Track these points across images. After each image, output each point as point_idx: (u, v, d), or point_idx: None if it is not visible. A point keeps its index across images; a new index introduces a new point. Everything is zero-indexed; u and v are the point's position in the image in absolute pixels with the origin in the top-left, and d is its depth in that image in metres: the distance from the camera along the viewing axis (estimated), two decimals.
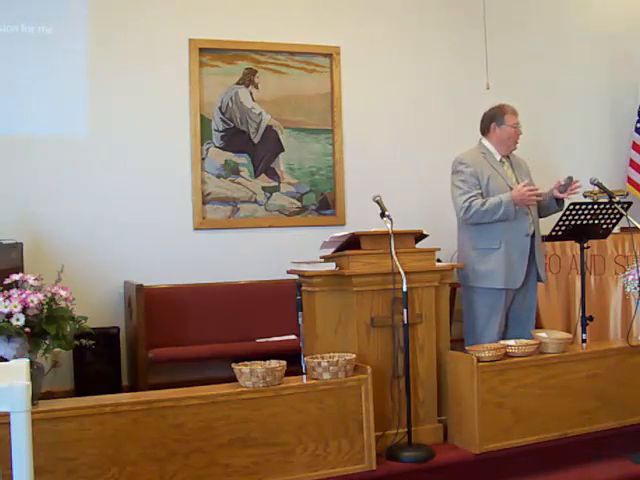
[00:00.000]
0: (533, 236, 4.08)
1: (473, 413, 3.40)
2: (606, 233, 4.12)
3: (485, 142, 4.23)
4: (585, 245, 4.04)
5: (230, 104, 5.33)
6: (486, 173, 4.10)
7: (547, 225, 4.13)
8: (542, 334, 3.76)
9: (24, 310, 2.70)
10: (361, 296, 3.49)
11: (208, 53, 5.26)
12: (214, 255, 5.22)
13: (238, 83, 5.35)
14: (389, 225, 3.49)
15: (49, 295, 2.79)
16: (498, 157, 4.19)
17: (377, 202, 3.69)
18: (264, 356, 3.43)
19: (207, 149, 5.27)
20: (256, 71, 5.38)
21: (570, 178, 4.02)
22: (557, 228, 3.96)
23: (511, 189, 4.04)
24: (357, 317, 3.48)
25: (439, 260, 4.28)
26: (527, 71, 6.04)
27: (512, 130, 4.14)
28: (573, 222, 3.93)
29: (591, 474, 3.42)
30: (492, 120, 4.19)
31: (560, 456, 3.51)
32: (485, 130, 4.24)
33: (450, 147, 5.03)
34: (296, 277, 3.70)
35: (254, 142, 5.39)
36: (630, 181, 6.11)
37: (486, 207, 3.97)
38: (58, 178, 4.89)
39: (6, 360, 2.49)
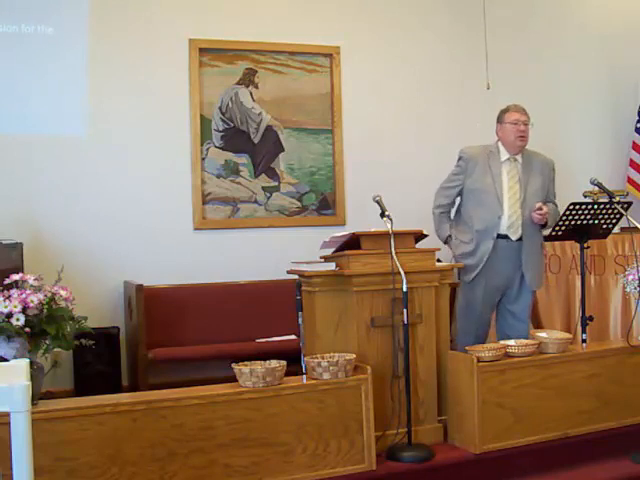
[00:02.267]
0: (520, 240, 4.11)
1: (473, 413, 3.40)
2: (606, 233, 4.12)
3: (499, 142, 4.26)
4: (585, 245, 4.04)
5: (230, 104, 5.33)
6: (479, 170, 4.16)
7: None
8: (542, 334, 3.76)
9: (24, 310, 2.70)
10: (361, 296, 3.49)
11: (208, 53, 5.26)
12: (214, 255, 5.22)
13: (238, 83, 5.35)
14: (389, 225, 3.49)
15: (49, 295, 2.79)
16: (505, 157, 4.18)
17: (377, 202, 3.69)
18: (264, 356, 3.42)
19: (207, 149, 5.27)
20: (256, 71, 5.38)
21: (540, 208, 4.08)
22: (557, 228, 3.96)
23: (497, 191, 4.11)
24: (357, 317, 3.48)
25: (439, 260, 4.29)
26: (527, 71, 6.04)
27: (511, 126, 4.13)
28: (573, 222, 3.93)
29: (591, 474, 3.41)
30: (497, 121, 4.25)
31: (560, 456, 3.51)
32: (496, 132, 4.29)
33: (450, 147, 5.03)
34: (296, 277, 3.70)
35: (254, 142, 5.39)
36: (630, 181, 6.11)
37: (437, 226, 4.30)
38: (58, 178, 4.89)
39: (6, 360, 2.48)
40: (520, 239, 4.09)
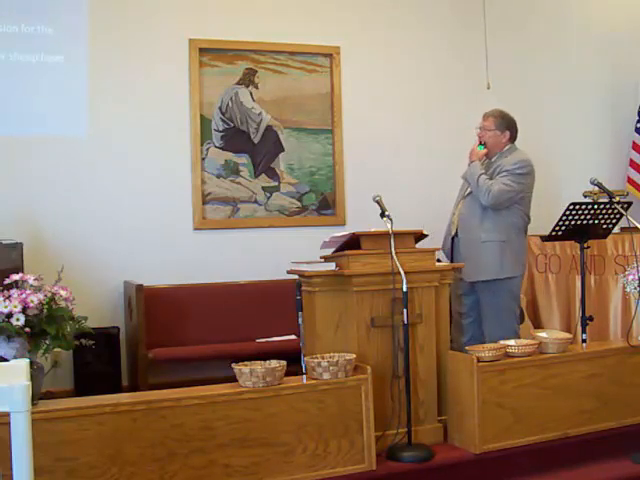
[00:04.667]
0: (457, 235, 4.32)
1: (473, 413, 3.40)
2: (606, 233, 4.12)
3: None
4: (585, 245, 4.04)
5: (230, 104, 5.33)
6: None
7: (547, 225, 4.13)
8: (542, 334, 3.76)
9: (24, 310, 2.70)
10: (361, 296, 3.48)
11: (208, 53, 5.26)
12: (214, 255, 5.22)
13: (238, 83, 5.35)
14: (389, 225, 3.49)
15: (49, 295, 2.78)
16: (486, 162, 4.43)
17: (377, 202, 3.70)
18: (264, 356, 3.42)
19: (207, 149, 5.27)
20: (256, 71, 5.39)
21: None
22: (557, 228, 3.96)
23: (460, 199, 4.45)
24: (357, 317, 3.47)
25: (439, 260, 4.29)
26: (527, 71, 6.04)
27: None
28: (573, 222, 3.93)
29: (591, 474, 3.41)
30: None
31: (560, 456, 3.51)
32: None
33: (450, 147, 5.05)
34: (296, 277, 3.70)
35: (254, 142, 5.39)
36: (630, 181, 6.09)
37: None
38: (58, 178, 4.89)
39: (6, 360, 2.48)
40: (457, 234, 4.32)
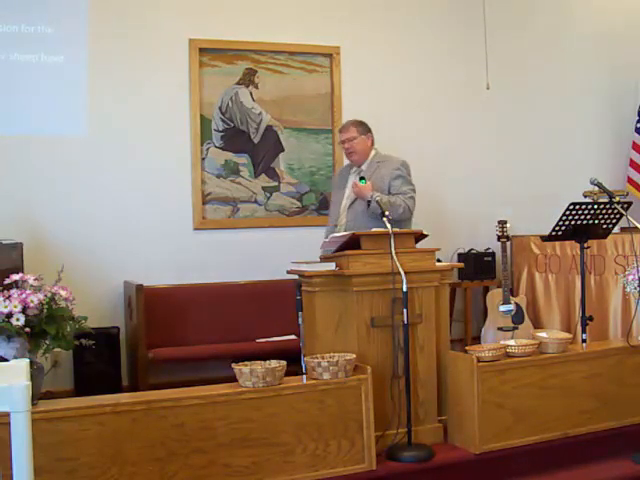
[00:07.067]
0: None
1: (473, 413, 3.40)
2: (606, 233, 4.12)
3: None
4: (585, 245, 4.04)
5: (230, 104, 5.33)
6: (337, 186, 4.56)
7: (547, 225, 4.13)
8: (542, 334, 3.76)
9: (24, 310, 2.70)
10: (361, 296, 3.49)
11: (208, 53, 5.26)
12: (214, 255, 5.22)
13: (238, 83, 5.35)
14: (389, 225, 3.50)
15: (49, 295, 2.79)
16: (353, 169, 4.45)
17: (377, 202, 3.70)
18: (264, 356, 3.42)
19: (207, 149, 5.27)
20: (256, 71, 5.38)
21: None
22: (557, 228, 3.96)
23: (339, 202, 4.40)
24: (357, 317, 3.48)
25: (439, 260, 4.29)
26: (527, 71, 6.04)
27: (341, 147, 4.55)
28: (573, 222, 3.93)
29: (591, 474, 3.41)
30: None
31: (560, 456, 3.51)
32: None
33: (450, 147, 5.04)
34: (296, 277, 3.70)
35: (254, 142, 5.38)
36: (630, 181, 6.11)
37: None
38: (58, 178, 4.89)
39: (6, 360, 2.48)
40: None
